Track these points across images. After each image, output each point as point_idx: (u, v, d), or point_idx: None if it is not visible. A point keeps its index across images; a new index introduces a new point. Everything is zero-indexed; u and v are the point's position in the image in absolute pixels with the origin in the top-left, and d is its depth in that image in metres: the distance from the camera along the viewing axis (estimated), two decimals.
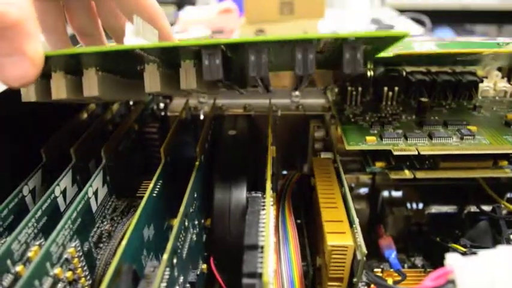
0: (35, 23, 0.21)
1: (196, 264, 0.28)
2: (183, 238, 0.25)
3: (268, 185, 0.23)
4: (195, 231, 0.28)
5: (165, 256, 0.21)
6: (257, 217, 0.21)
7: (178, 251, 0.24)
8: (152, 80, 0.22)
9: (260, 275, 0.18)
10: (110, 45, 0.26)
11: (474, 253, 0.29)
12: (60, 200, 0.26)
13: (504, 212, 0.33)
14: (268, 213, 0.21)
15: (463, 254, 0.30)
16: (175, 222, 0.24)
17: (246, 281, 0.18)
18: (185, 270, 0.25)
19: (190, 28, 1.45)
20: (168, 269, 0.21)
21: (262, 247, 0.19)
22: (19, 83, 0.20)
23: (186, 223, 0.26)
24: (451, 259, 0.18)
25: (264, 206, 0.22)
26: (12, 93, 0.23)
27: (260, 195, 0.26)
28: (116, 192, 0.31)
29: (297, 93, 0.43)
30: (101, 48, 0.20)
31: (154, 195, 0.27)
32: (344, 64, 0.19)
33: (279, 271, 0.28)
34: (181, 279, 0.24)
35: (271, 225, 0.20)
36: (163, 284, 0.20)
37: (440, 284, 0.18)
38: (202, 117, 0.43)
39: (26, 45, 0.20)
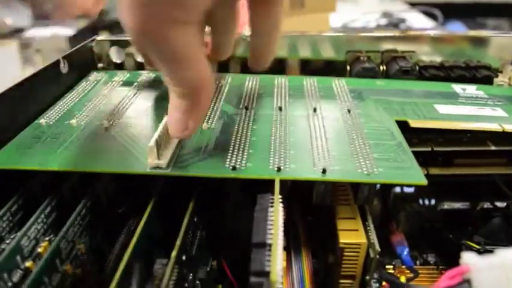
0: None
1: (206, 260, 0.28)
2: (192, 234, 0.25)
3: (277, 182, 0.23)
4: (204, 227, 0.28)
5: (174, 253, 0.21)
6: (265, 215, 0.21)
7: (187, 247, 0.24)
8: None
9: (268, 274, 0.17)
10: None
11: (488, 250, 0.29)
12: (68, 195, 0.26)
13: None
14: (277, 211, 0.20)
15: (477, 251, 0.30)
16: (185, 219, 0.23)
17: (253, 279, 0.17)
18: (195, 267, 0.25)
19: None
20: (177, 266, 0.21)
21: (270, 245, 0.19)
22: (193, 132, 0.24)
23: (196, 219, 0.26)
24: (467, 258, 0.18)
25: (272, 203, 0.21)
26: None
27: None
28: (126, 188, 0.31)
29: None
30: None
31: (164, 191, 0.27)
32: None
33: (289, 268, 0.27)
34: (190, 276, 0.24)
35: (279, 223, 0.20)
36: (173, 281, 0.20)
37: (455, 283, 0.18)
38: None
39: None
